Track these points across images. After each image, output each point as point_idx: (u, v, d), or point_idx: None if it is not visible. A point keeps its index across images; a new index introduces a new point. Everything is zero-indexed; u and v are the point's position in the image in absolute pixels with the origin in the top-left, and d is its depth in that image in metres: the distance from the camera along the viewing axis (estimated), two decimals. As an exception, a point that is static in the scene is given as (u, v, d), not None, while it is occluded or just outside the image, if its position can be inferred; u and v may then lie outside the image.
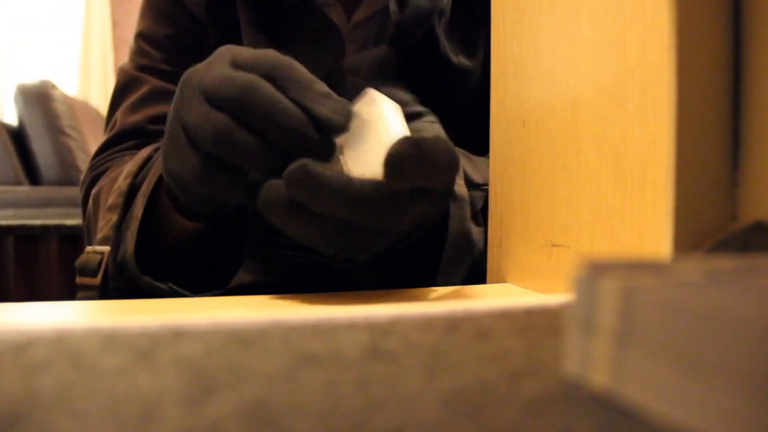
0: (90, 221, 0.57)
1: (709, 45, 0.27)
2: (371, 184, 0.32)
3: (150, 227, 0.47)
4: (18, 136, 2.49)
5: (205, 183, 0.36)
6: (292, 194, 0.32)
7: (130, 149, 0.61)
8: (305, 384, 0.16)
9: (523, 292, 0.38)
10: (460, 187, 0.46)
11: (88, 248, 0.51)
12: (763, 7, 0.27)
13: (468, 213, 0.46)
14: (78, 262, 0.50)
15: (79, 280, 0.50)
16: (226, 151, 0.34)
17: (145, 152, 0.54)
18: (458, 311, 0.24)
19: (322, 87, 0.34)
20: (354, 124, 0.34)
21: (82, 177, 0.64)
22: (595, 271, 0.16)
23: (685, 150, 0.27)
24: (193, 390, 0.16)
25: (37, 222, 1.99)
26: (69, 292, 0.63)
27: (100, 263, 0.49)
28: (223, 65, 0.35)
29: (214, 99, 0.34)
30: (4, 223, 1.98)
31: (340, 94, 0.35)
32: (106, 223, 0.50)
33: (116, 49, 3.60)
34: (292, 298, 0.36)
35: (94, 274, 0.49)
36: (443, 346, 0.20)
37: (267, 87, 0.33)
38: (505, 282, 0.41)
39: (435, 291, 0.39)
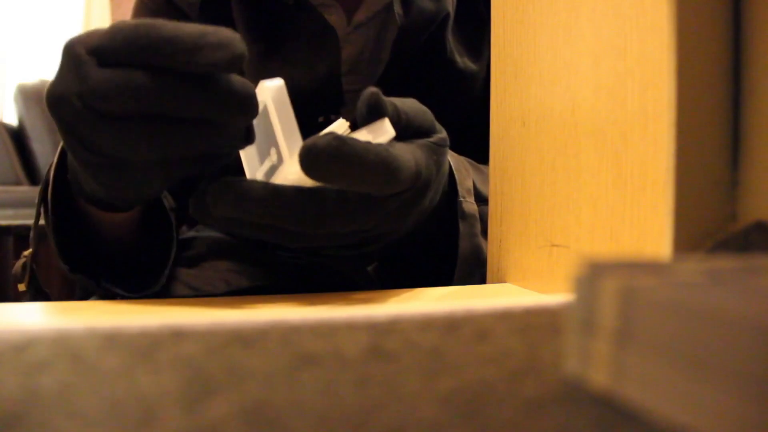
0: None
1: (709, 45, 0.27)
2: (292, 190, 0.31)
3: (71, 220, 0.43)
4: (18, 136, 2.49)
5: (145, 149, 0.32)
6: (218, 213, 0.31)
7: None
8: (305, 384, 0.16)
9: (523, 292, 0.38)
10: (469, 204, 0.45)
11: (24, 252, 0.47)
12: (763, 7, 0.27)
13: (478, 229, 0.45)
14: (14, 270, 0.46)
15: (20, 287, 0.46)
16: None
17: None
18: (458, 311, 0.24)
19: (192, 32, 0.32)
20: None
21: None
22: (595, 271, 0.16)
23: (685, 150, 0.27)
24: (193, 390, 0.16)
25: (38, 222, 1.99)
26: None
27: (24, 268, 0.45)
28: (89, 66, 0.32)
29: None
30: (4, 223, 1.98)
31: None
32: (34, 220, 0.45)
33: (116, 49, 3.59)
34: (292, 298, 0.36)
35: (21, 280, 0.45)
36: (443, 346, 0.20)
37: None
38: (505, 282, 0.41)
39: (435, 291, 0.39)
